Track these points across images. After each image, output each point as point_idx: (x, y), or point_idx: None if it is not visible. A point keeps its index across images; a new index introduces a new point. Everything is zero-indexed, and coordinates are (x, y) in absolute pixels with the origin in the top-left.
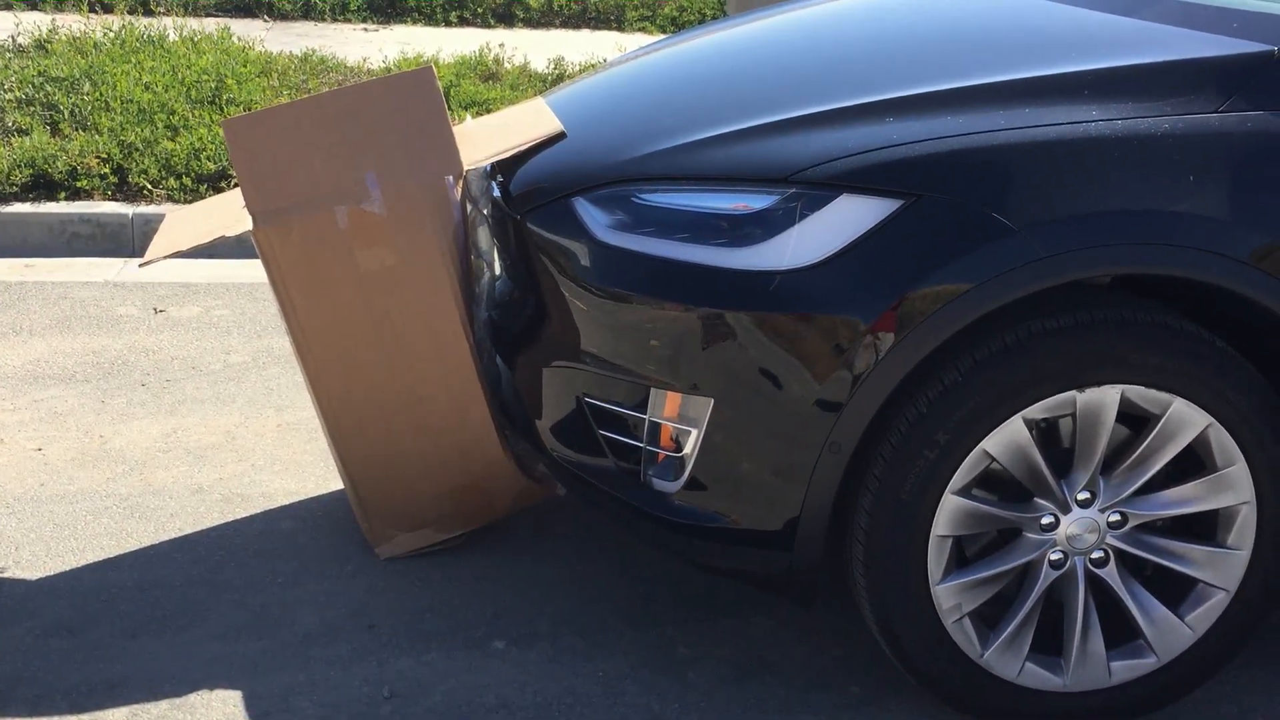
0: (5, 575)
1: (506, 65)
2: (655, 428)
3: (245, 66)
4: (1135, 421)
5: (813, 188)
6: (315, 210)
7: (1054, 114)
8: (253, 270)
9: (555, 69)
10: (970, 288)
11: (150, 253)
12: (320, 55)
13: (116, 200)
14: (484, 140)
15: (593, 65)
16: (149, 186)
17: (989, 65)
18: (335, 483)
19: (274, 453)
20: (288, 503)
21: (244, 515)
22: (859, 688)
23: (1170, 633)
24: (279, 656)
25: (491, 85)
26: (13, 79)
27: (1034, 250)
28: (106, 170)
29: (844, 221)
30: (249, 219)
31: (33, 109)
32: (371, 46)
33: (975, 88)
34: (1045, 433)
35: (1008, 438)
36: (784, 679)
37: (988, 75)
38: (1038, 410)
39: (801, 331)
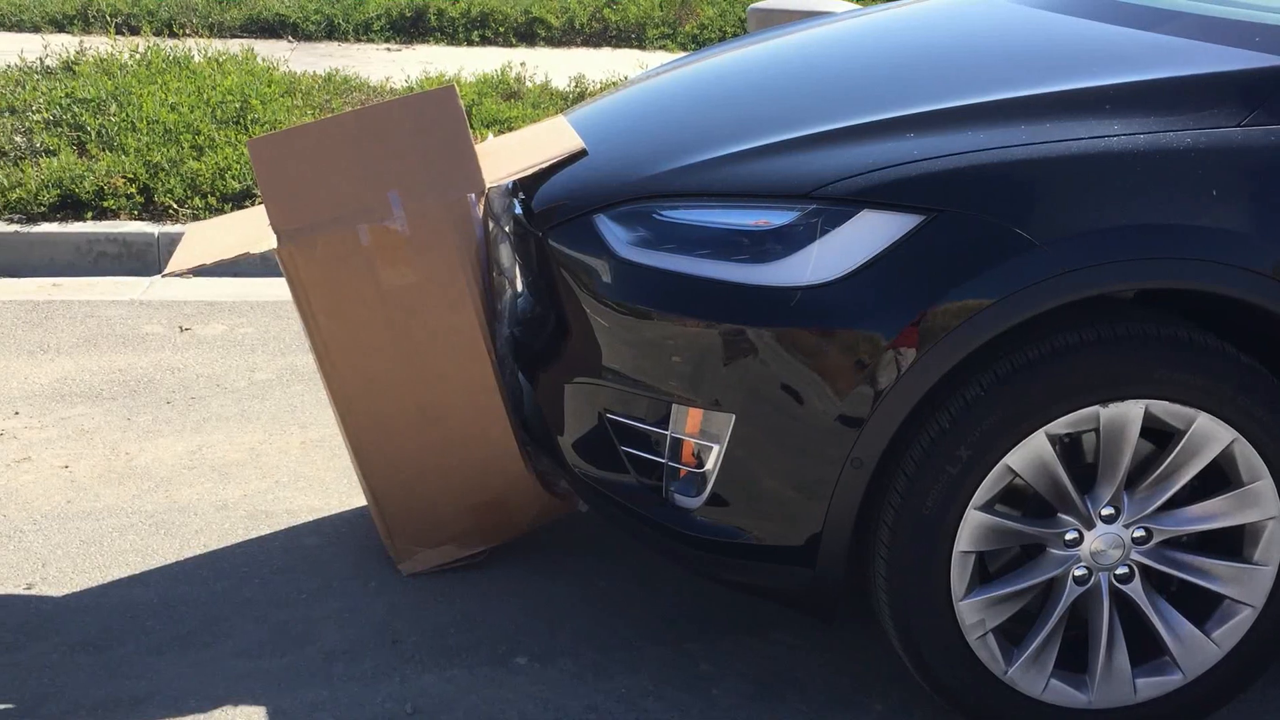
0: (32, 591)
1: (528, 84)
2: (677, 443)
3: (269, 87)
4: (1159, 437)
5: (834, 203)
6: (338, 228)
7: (1076, 129)
8: (277, 288)
9: (576, 87)
10: (992, 303)
11: (173, 264)
12: (344, 75)
13: (142, 220)
14: (506, 158)
15: (614, 83)
16: (174, 206)
17: (1009, 81)
18: (359, 499)
19: (298, 469)
20: (311, 519)
21: (268, 532)
22: (881, 704)
23: (1196, 649)
24: (303, 673)
25: (513, 104)
26: (41, 100)
27: (1056, 265)
28: (133, 190)
29: (865, 237)
30: (273, 237)
31: (60, 130)
32: (394, 66)
33: (996, 103)
34: (1069, 448)
35: (1031, 453)
36: (806, 696)
37: (1008, 90)
38: (1061, 425)
39: (823, 347)
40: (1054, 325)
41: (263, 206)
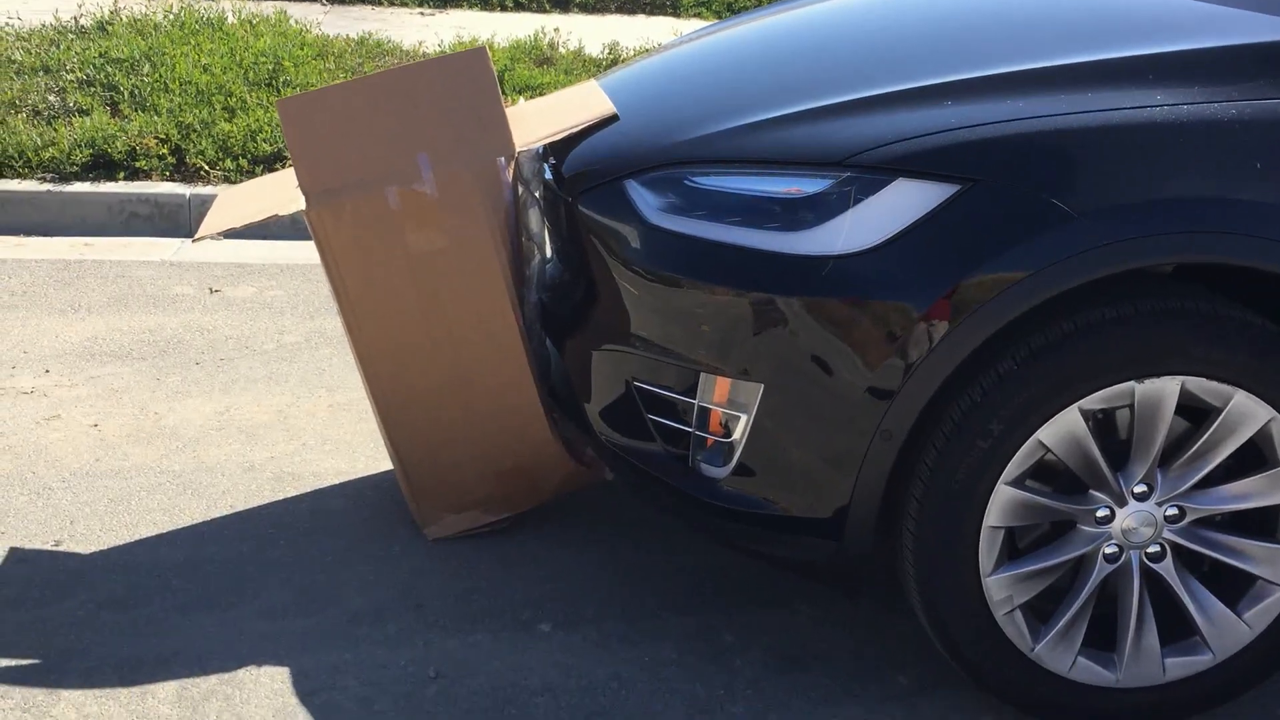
0: (60, 548)
1: (561, 50)
2: (704, 413)
3: (302, 49)
4: (1195, 414)
5: (868, 172)
6: (367, 191)
7: (1117, 98)
8: (306, 251)
9: (610, 54)
10: (1027, 275)
11: (203, 229)
12: (376, 39)
13: (174, 181)
14: (536, 122)
15: (647, 50)
16: (206, 167)
17: (1049, 48)
18: (384, 463)
19: (325, 432)
20: (337, 482)
21: (294, 494)
22: (905, 678)
23: (1227, 630)
24: (326, 635)
25: (545, 70)
26: (75, 60)
27: (1094, 237)
28: (165, 151)
29: (899, 206)
30: (302, 199)
31: (93, 90)
32: (428, 30)
33: (1035, 71)
34: (1102, 424)
35: (1063, 428)
36: (830, 668)
37: (1048, 59)
38: (1095, 401)
39: (854, 317)
40: (1090, 299)
41: (288, 169)
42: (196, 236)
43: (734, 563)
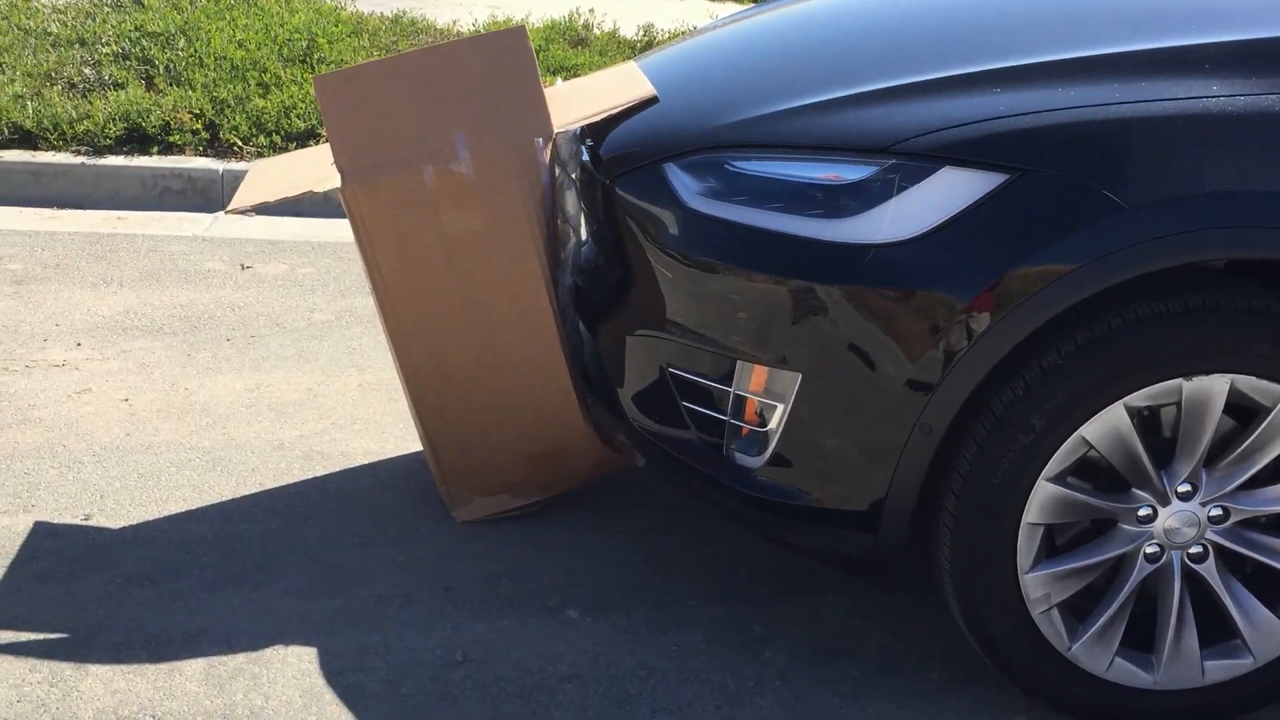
0: (90, 523)
1: (596, 31)
2: (740, 401)
3: (337, 26)
4: (1243, 413)
5: (914, 159)
6: (403, 169)
7: (1172, 88)
8: (339, 229)
9: (645, 36)
10: (1076, 268)
11: (236, 201)
12: (411, 17)
13: (207, 156)
14: (575, 103)
15: (683, 33)
16: (239, 143)
17: (1101, 35)
18: (414, 444)
19: (354, 412)
20: (367, 462)
21: (323, 473)
22: (938, 674)
23: (1269, 634)
24: (354, 616)
25: (580, 51)
26: (110, 33)
27: (1145, 231)
28: (199, 126)
29: (945, 195)
30: (337, 175)
31: (129, 63)
32: (462, 9)
33: (1088, 59)
34: (1147, 421)
35: (1108, 425)
36: (860, 662)
37: (1100, 46)
38: (1141, 398)
39: (895, 308)
40: (1140, 293)
41: (327, 145)
42: (229, 209)
43: (765, 551)
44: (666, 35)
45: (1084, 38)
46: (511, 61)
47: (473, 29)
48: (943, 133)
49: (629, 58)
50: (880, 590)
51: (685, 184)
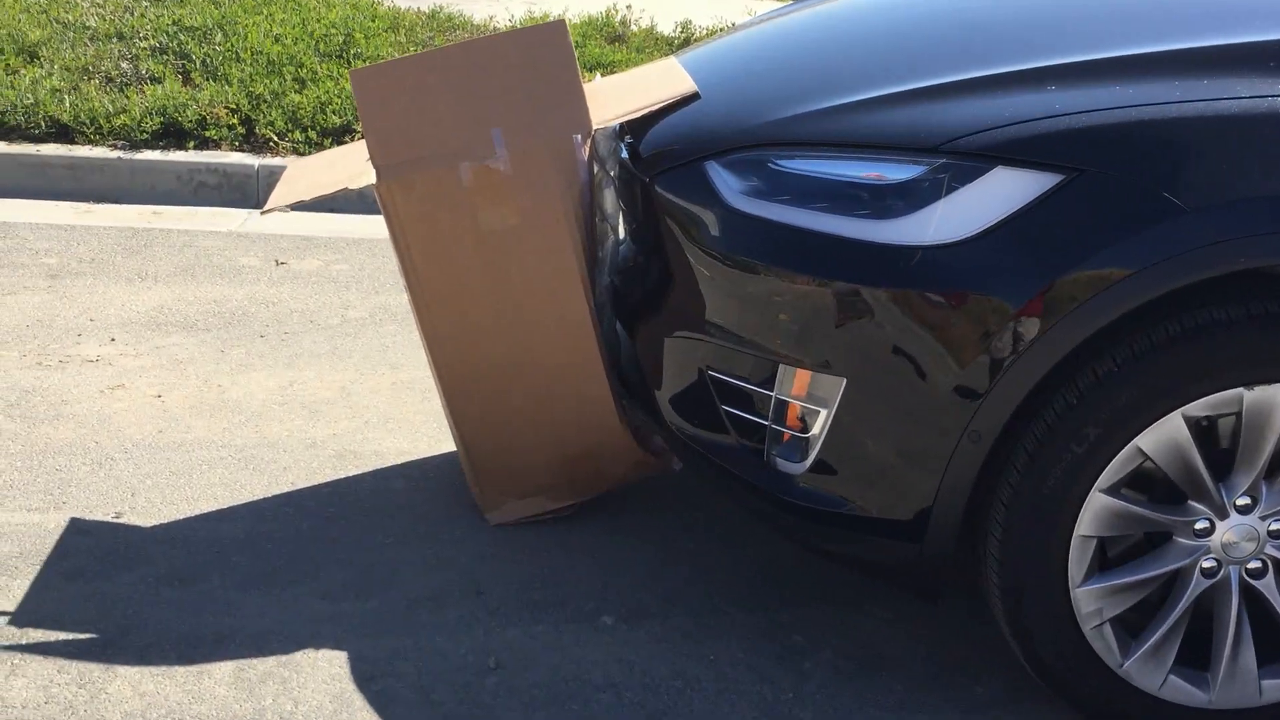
0: (121, 520)
1: (633, 27)
2: (781, 405)
3: (373, 21)
4: None
5: (965, 159)
6: (439, 165)
7: (1236, 86)
8: (374, 226)
9: (682, 32)
10: (1133, 273)
11: (272, 201)
12: (448, 12)
13: (243, 151)
14: (614, 99)
15: (721, 29)
16: (275, 138)
17: (1163, 31)
18: (447, 444)
19: (387, 411)
20: (399, 462)
21: (355, 473)
22: (982, 688)
23: None
24: (385, 619)
25: (617, 47)
26: (148, 27)
27: (1208, 235)
28: (234, 121)
29: (997, 196)
30: (372, 172)
31: (166, 57)
32: (499, 4)
33: (1147, 56)
34: (1205, 431)
35: (1165, 435)
36: (902, 676)
37: (1161, 42)
38: (1199, 407)
39: (945, 312)
40: (1200, 299)
41: (363, 142)
42: (265, 209)
43: (804, 558)
44: (704, 32)
45: (1140, 33)
46: (550, 57)
47: (510, 24)
48: (995, 131)
49: (666, 54)
50: (925, 602)
51: (727, 183)
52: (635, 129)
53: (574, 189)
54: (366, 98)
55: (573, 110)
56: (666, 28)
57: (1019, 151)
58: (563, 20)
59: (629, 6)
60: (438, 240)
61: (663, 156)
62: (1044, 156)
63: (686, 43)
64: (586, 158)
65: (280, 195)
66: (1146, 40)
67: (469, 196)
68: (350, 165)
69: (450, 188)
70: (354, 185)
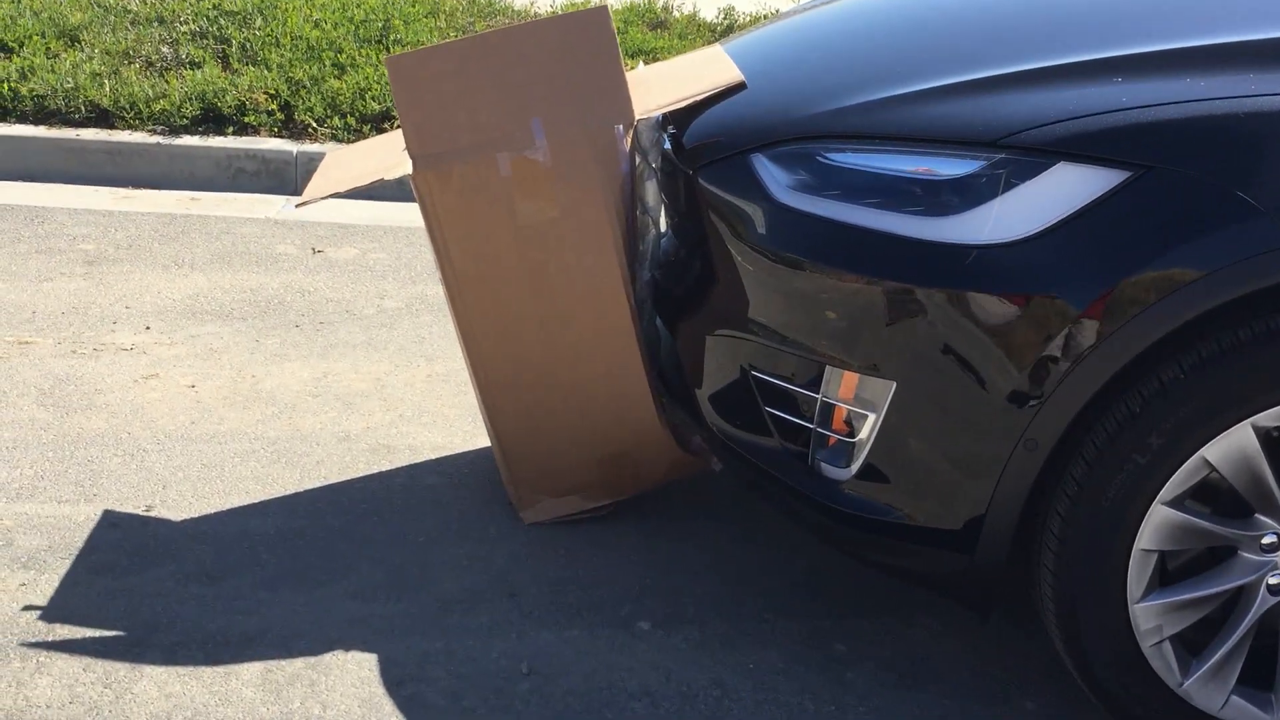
0: (151, 514)
1: (675, 14)
2: (828, 408)
3: (413, 7)
4: None
5: (1025, 154)
6: (477, 156)
7: None
8: (411, 214)
9: (725, 19)
10: (1203, 275)
11: (308, 193)
12: None
13: (282, 137)
14: (658, 88)
15: (765, 16)
16: (314, 125)
17: (1230, 21)
18: (481, 440)
19: (422, 404)
20: (433, 457)
21: (389, 468)
22: (1033, 703)
23: None
24: (417, 621)
25: (660, 34)
26: (188, 11)
27: None
28: (274, 107)
29: (1060, 193)
30: (409, 162)
31: (206, 42)
32: None
33: (1217, 47)
34: (1275, 443)
35: (1232, 446)
36: (948, 688)
37: (1231, 33)
38: (1270, 417)
39: (1002, 314)
40: (1272, 304)
41: (396, 131)
42: (300, 202)
43: (846, 563)
44: (748, 18)
45: (1209, 23)
46: (592, 44)
47: (551, 10)
48: (1057, 125)
49: (710, 41)
50: (976, 615)
51: (774, 176)
52: (679, 119)
53: (615, 181)
54: (403, 85)
55: (615, 100)
56: (709, 14)
57: (1083, 147)
58: (605, 6)
59: None
60: (474, 233)
61: (707, 149)
62: (1110, 152)
63: (730, 29)
64: (628, 149)
65: (316, 187)
66: (1214, 30)
67: (507, 188)
68: (387, 155)
69: (488, 179)
70: (390, 176)
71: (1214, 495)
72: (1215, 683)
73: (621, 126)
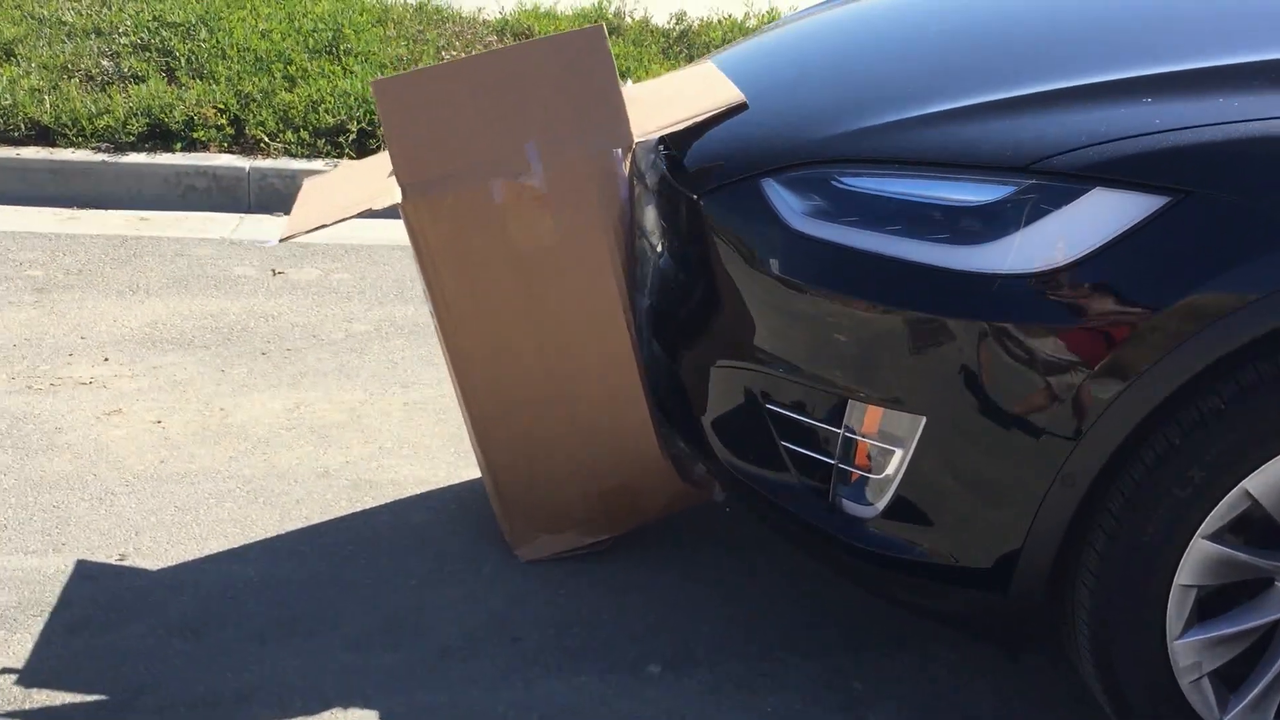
0: (125, 563)
1: (628, 20)
2: (850, 443)
3: (361, 15)
4: None
5: (1058, 179)
6: (469, 183)
7: None
8: (373, 231)
9: (678, 24)
10: (1246, 303)
11: (291, 226)
12: (435, 4)
13: (233, 153)
14: (655, 109)
15: (719, 21)
16: (266, 139)
17: (1257, 38)
18: (467, 471)
19: (401, 434)
20: (419, 492)
21: (373, 505)
22: None
23: None
24: (416, 671)
25: (613, 40)
26: (128, 23)
27: None
28: (223, 121)
29: (1096, 220)
30: (397, 190)
31: (149, 55)
32: None
33: (1248, 65)
34: None
35: (1275, 477)
36: None
37: (1257, 50)
38: None
39: (1037, 346)
40: None
41: (379, 155)
42: (283, 237)
43: (861, 597)
44: (699, 23)
45: (1242, 41)
46: (588, 64)
47: (499, 18)
48: (1091, 149)
49: (663, 47)
50: (1006, 655)
51: (787, 202)
52: (677, 141)
53: (614, 207)
54: (390, 110)
55: (613, 122)
56: (661, 19)
57: (1120, 171)
58: (600, 25)
59: None
60: (468, 262)
61: (712, 173)
62: (1148, 177)
63: (684, 35)
64: (627, 173)
65: (300, 220)
66: (1238, 49)
67: (501, 216)
68: (372, 181)
69: (481, 207)
70: (377, 205)
71: (1245, 525)
72: (1254, 718)
73: (620, 150)
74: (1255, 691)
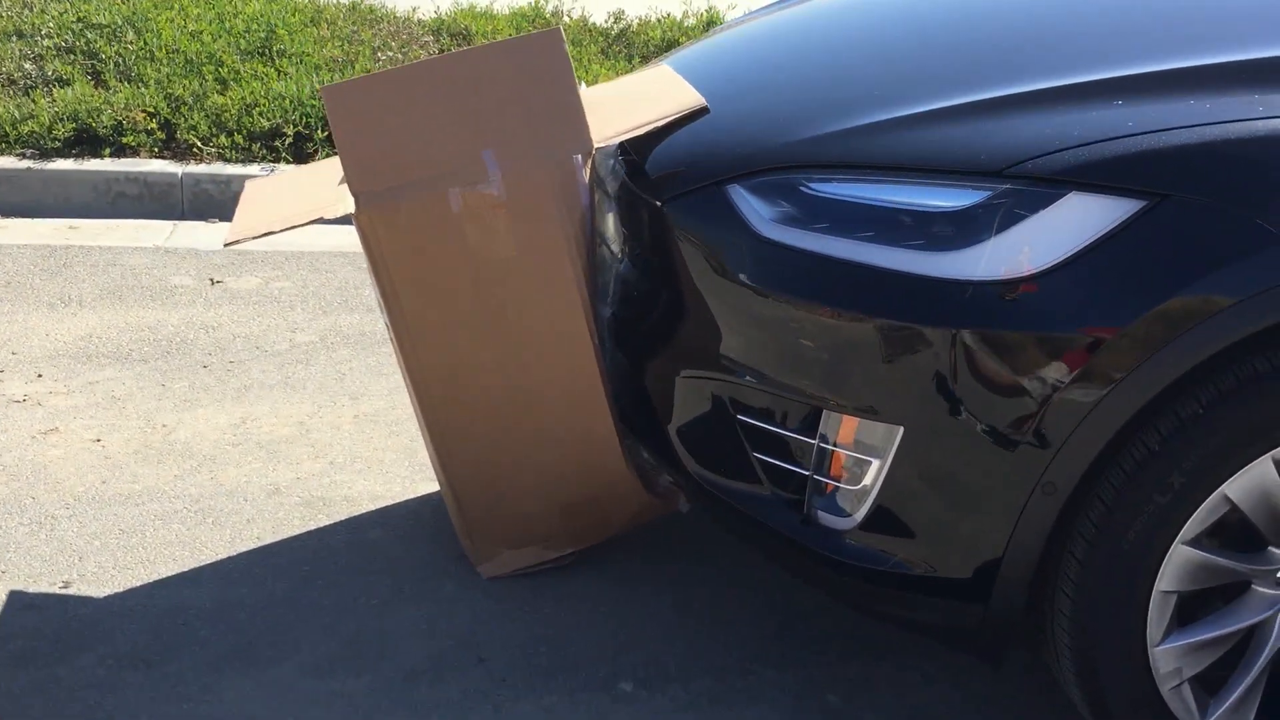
0: (70, 591)
1: (566, 19)
2: (825, 454)
3: (294, 16)
4: None
5: (1034, 184)
6: (425, 192)
7: None
8: (313, 237)
9: (616, 23)
10: (1223, 308)
11: (234, 232)
12: (369, 4)
13: (164, 158)
14: (615, 113)
15: (658, 21)
16: (198, 144)
17: (1238, 39)
18: (422, 485)
19: (353, 448)
20: (374, 508)
21: (327, 522)
22: None
23: None
24: (382, 697)
25: None
26: (50, 24)
27: None
28: (153, 125)
29: (1072, 224)
30: (349, 199)
31: (74, 58)
32: None
33: (1226, 66)
34: None
35: (1253, 481)
36: None
37: (1240, 51)
38: None
39: (1015, 353)
40: None
41: (328, 161)
42: (228, 241)
43: (826, 606)
44: (636, 21)
45: (1216, 42)
46: (546, 69)
47: (434, 18)
48: (1067, 153)
49: (603, 46)
50: (987, 665)
51: (755, 209)
52: (638, 147)
53: (575, 215)
54: (341, 117)
55: (572, 128)
56: (600, 18)
57: (1096, 175)
58: (558, 29)
59: None
60: (425, 273)
61: (676, 179)
62: (1125, 180)
63: (623, 34)
64: (587, 179)
65: (244, 226)
66: (1221, 49)
67: (459, 225)
68: (321, 189)
69: (439, 217)
70: (330, 214)
71: (1222, 529)
72: None
73: (580, 156)
74: (1234, 696)
